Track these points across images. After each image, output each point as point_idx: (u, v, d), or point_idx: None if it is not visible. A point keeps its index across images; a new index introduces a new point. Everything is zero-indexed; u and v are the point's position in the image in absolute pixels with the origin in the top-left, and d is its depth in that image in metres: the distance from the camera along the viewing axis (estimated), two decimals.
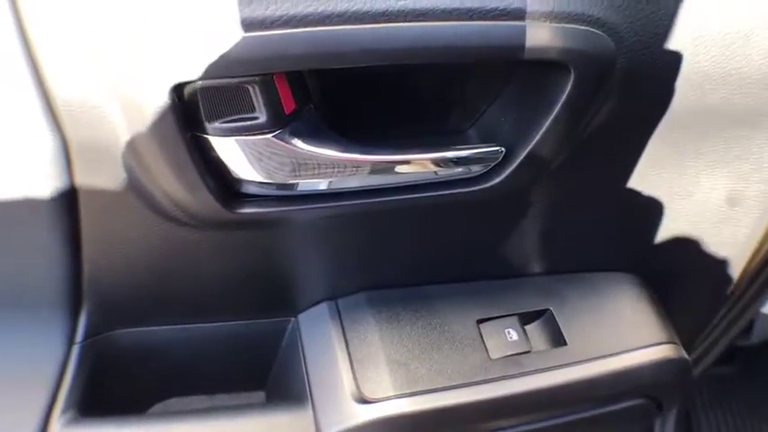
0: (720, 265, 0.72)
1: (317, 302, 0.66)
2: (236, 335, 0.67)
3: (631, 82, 0.52)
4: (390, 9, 0.45)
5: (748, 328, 1.06)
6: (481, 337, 0.64)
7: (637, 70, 0.52)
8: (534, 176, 0.57)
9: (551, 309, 0.67)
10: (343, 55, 0.45)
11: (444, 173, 0.54)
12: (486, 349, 0.63)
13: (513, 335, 0.64)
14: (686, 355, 0.70)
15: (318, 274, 0.64)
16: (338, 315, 0.65)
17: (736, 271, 0.77)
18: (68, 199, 0.52)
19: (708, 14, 0.51)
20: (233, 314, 0.66)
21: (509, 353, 0.63)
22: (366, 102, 0.57)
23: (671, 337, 0.70)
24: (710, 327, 0.94)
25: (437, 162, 0.53)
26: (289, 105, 0.49)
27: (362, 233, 0.60)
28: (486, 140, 0.55)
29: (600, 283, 0.70)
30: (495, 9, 0.46)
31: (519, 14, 0.47)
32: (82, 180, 0.51)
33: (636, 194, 0.63)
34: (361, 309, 0.65)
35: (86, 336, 0.61)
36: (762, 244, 0.82)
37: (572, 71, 0.49)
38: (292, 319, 0.67)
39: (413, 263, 0.65)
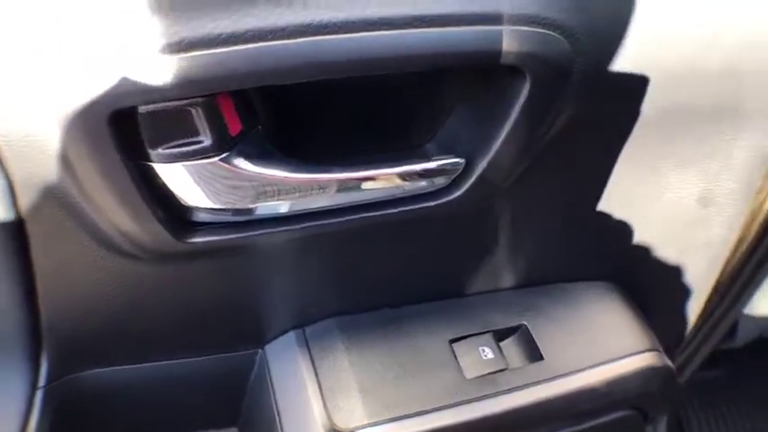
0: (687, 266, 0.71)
1: (285, 332, 0.64)
2: (204, 370, 0.65)
3: (592, 86, 0.51)
4: (350, 19, 0.43)
5: (733, 331, 1.05)
6: (455, 356, 0.62)
7: (596, 74, 0.51)
8: (497, 187, 0.55)
9: (526, 323, 0.65)
10: (294, 70, 0.44)
11: (403, 189, 0.53)
12: (461, 369, 0.61)
13: (488, 353, 0.62)
14: (670, 363, 0.69)
15: (283, 301, 0.62)
16: (306, 344, 0.63)
17: (711, 273, 0.75)
18: (17, 238, 0.50)
19: (669, 15, 0.50)
20: (198, 349, 0.63)
21: (484, 372, 0.61)
22: (320, 119, 0.55)
23: (653, 345, 0.68)
24: (694, 331, 0.93)
25: (394, 178, 0.52)
26: (235, 127, 0.48)
27: (325, 256, 0.58)
28: (445, 153, 0.54)
29: (576, 294, 0.68)
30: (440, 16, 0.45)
31: (493, 18, 0.46)
32: (28, 217, 0.49)
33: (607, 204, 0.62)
34: (329, 335, 0.63)
35: (50, 379, 0.58)
36: (739, 244, 0.82)
37: (527, 76, 0.48)
38: (260, 350, 0.65)
39: (380, 284, 0.63)
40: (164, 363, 0.63)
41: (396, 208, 0.53)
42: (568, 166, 0.58)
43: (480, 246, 0.62)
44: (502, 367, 0.62)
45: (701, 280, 0.75)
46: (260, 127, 0.50)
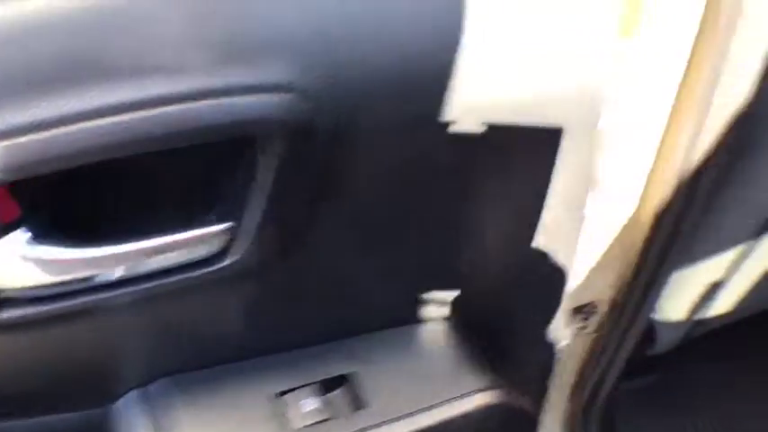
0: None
1: (129, 390, 0.67)
2: (66, 428, 0.68)
3: (371, 141, 0.52)
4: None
5: (651, 338, 1.05)
6: (282, 409, 0.64)
7: (356, 125, 0.51)
8: (278, 247, 0.57)
9: (354, 371, 0.66)
10: (82, 153, 0.46)
11: (180, 257, 0.55)
12: (288, 421, 0.63)
13: (314, 403, 0.64)
14: (512, 399, 0.69)
15: (119, 362, 0.64)
16: (148, 402, 0.65)
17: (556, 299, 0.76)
18: None
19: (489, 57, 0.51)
20: (53, 408, 0.66)
21: (309, 422, 0.63)
22: (105, 196, 0.57)
23: (492, 383, 0.69)
24: (602, 344, 0.93)
25: (167, 247, 0.54)
26: (8, 214, 0.50)
27: (144, 319, 0.60)
28: (226, 220, 0.55)
29: (410, 338, 0.70)
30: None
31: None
32: None
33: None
34: (169, 393, 0.65)
35: None
36: (626, 255, 0.81)
37: (269, 140, 0.49)
38: (110, 408, 0.68)
39: (210, 342, 0.65)
40: (41, 419, 0.66)
41: (171, 277, 0.55)
42: (383, 216, 0.59)
43: (294, 301, 0.63)
44: (326, 417, 0.64)
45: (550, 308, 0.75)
46: (41, 210, 0.53)
